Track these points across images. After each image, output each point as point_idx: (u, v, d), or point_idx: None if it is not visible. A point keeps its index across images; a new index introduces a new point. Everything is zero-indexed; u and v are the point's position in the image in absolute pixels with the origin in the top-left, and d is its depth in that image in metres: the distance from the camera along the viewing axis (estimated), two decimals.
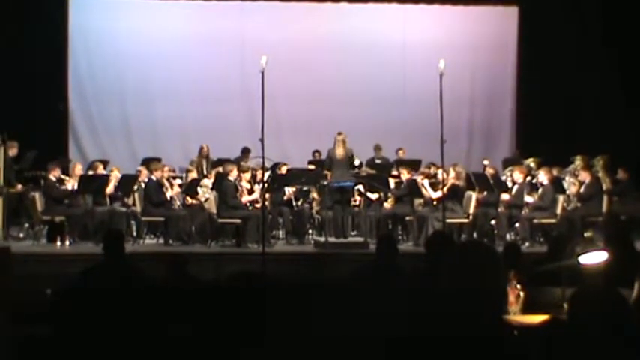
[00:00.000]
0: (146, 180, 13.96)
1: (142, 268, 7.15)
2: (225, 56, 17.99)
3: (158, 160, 15.23)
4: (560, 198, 13.83)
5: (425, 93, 15.10)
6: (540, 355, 3.22)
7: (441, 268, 3.12)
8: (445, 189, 13.26)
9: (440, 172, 13.37)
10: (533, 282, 5.97)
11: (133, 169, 15.20)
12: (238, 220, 13.23)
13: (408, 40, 18.48)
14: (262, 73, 11.53)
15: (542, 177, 13.95)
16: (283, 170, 14.37)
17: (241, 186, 13.63)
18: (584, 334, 3.24)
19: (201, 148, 16.21)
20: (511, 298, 5.83)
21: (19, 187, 14.17)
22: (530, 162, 15.43)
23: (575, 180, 14.53)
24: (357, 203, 14.59)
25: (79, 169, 14.34)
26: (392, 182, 14.56)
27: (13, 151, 14.22)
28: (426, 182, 13.98)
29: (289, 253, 12.81)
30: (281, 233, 14.35)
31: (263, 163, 12.29)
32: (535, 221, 13.69)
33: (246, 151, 15.97)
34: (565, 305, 4.34)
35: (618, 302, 3.31)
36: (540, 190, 13.88)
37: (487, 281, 3.06)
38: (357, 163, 14.61)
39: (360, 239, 13.58)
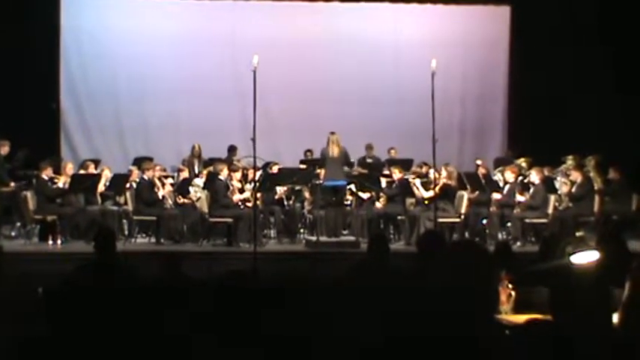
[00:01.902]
0: (138, 179, 13.95)
1: (134, 266, 7.15)
2: (217, 55, 17.93)
3: (150, 159, 15.19)
4: (552, 197, 13.84)
5: (417, 92, 15.12)
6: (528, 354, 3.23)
7: (433, 268, 3.13)
8: (437, 188, 13.28)
9: (432, 171, 13.38)
10: (524, 282, 5.98)
11: (125, 168, 15.19)
12: (230, 219, 13.22)
13: (400, 39, 18.45)
14: (254, 72, 11.53)
15: (534, 176, 13.98)
16: (275, 169, 14.36)
17: (232, 185, 13.61)
18: (567, 333, 3.25)
19: (194, 147, 16.18)
20: (502, 297, 5.85)
21: (11, 185, 14.14)
22: (522, 161, 15.44)
23: (567, 179, 14.55)
24: (349, 202, 14.58)
25: (70, 168, 14.28)
26: (383, 181, 14.56)
27: (4, 150, 14.19)
28: (417, 181, 13.99)
29: (281, 253, 12.82)
30: (272, 232, 14.34)
31: (255, 162, 12.29)
32: (527, 221, 13.70)
33: (232, 149, 15.97)
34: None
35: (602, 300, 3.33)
36: (532, 190, 13.90)
37: (478, 281, 3.06)
38: (352, 160, 14.51)
39: (351, 238, 13.57)
